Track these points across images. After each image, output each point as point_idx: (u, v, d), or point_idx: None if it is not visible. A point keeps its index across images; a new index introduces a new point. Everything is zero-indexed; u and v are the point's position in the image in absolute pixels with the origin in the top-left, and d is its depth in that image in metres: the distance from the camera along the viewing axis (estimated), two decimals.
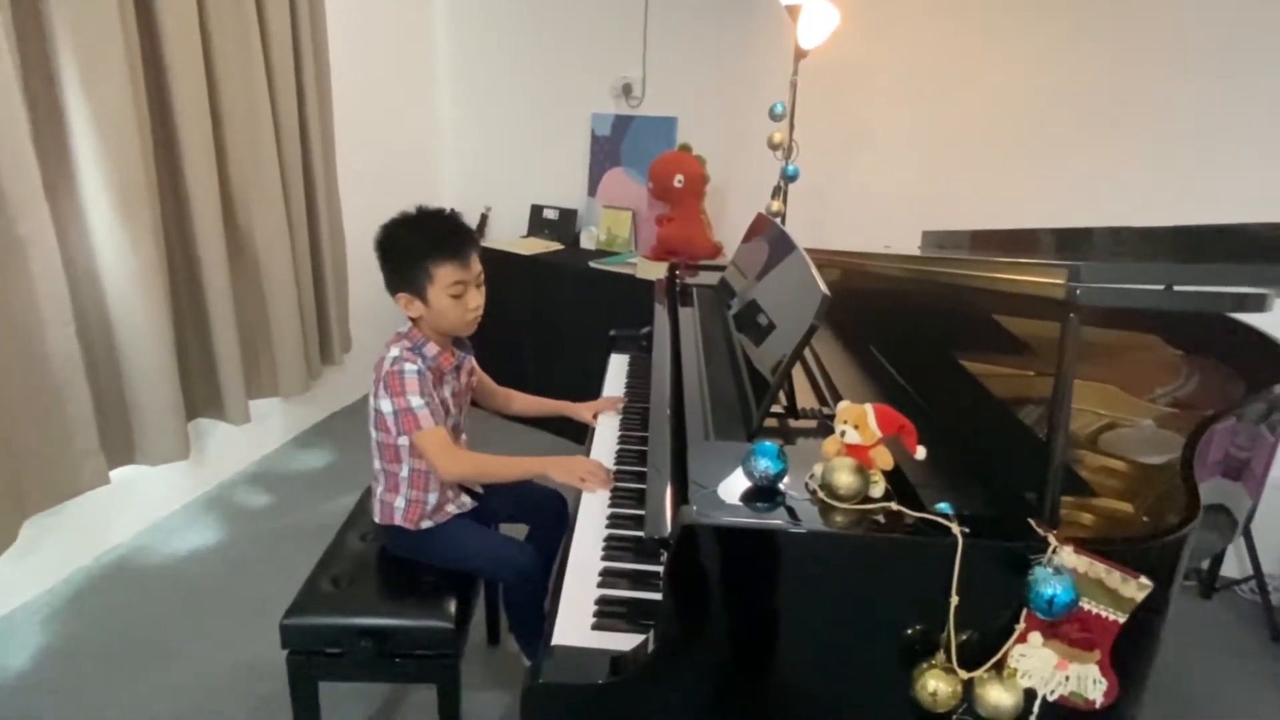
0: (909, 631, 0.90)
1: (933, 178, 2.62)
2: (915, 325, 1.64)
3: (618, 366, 2.06)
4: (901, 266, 1.66)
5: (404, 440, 1.48)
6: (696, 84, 3.02)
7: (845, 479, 0.92)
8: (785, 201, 2.53)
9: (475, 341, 1.64)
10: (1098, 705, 0.87)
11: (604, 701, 0.95)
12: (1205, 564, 2.28)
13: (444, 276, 1.41)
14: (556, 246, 3.28)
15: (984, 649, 0.88)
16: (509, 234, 3.52)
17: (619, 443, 1.61)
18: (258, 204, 2.49)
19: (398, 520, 1.53)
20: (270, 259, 2.56)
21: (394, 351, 1.46)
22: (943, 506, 0.91)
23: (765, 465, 0.95)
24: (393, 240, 1.45)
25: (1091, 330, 1.16)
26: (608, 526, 1.29)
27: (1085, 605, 0.86)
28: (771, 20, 2.70)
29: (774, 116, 2.43)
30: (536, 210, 3.45)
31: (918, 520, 0.90)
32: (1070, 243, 1.61)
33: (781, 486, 0.97)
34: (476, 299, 1.47)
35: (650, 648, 0.94)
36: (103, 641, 1.95)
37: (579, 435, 1.79)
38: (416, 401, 1.42)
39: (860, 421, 0.95)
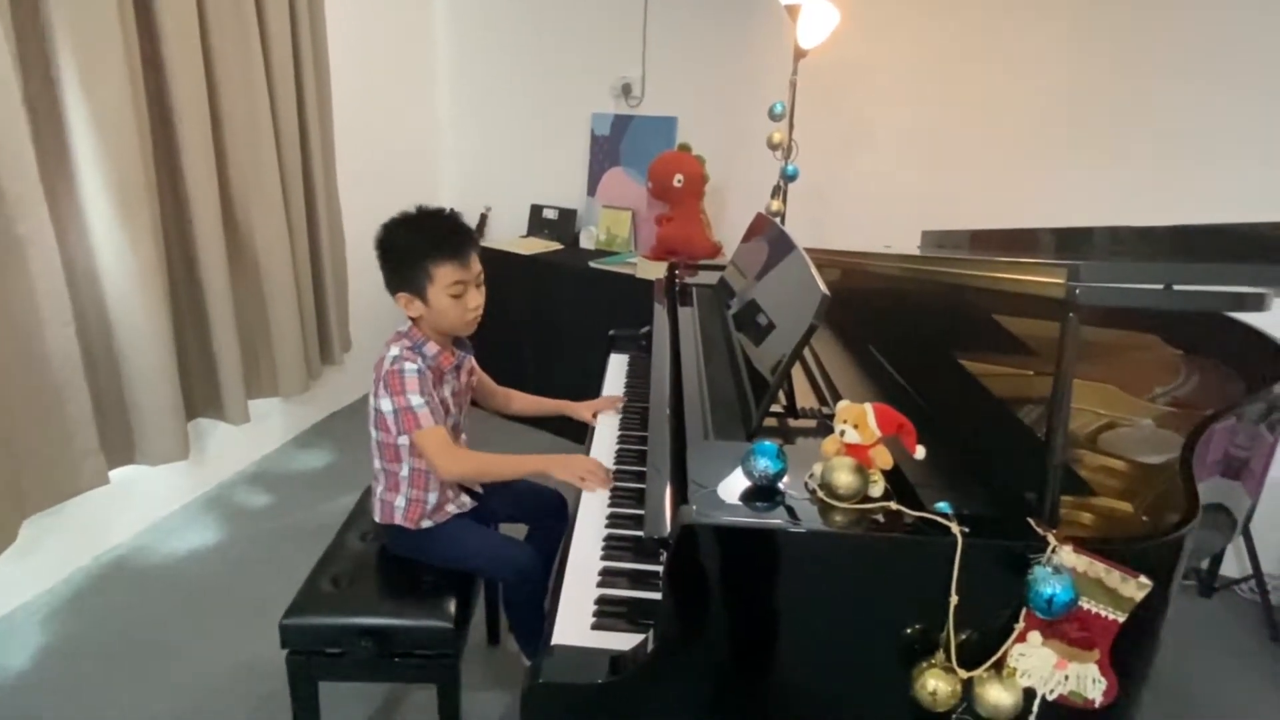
0: (908, 631, 0.90)
1: (933, 178, 2.62)
2: (915, 325, 1.64)
3: (617, 366, 2.07)
4: (901, 266, 1.66)
5: (404, 440, 1.48)
6: (696, 84, 3.02)
7: (845, 478, 0.92)
8: (785, 201, 2.53)
9: (475, 341, 1.64)
10: (1097, 704, 0.87)
11: (604, 701, 0.95)
12: (1205, 563, 2.28)
13: (444, 276, 1.42)
14: (556, 246, 3.28)
15: (983, 648, 0.88)
16: (508, 234, 3.52)
17: (618, 442, 1.61)
18: (257, 204, 2.49)
19: (398, 520, 1.53)
20: (270, 258, 2.56)
21: (394, 351, 1.46)
22: (942, 506, 0.91)
23: (765, 465, 0.95)
24: (393, 240, 1.45)
25: (1091, 330, 1.17)
26: (607, 526, 1.29)
27: (1084, 604, 0.86)
28: (771, 20, 2.70)
29: (773, 116, 2.43)
30: (536, 210, 3.45)
31: (917, 520, 0.90)
32: (1070, 242, 1.61)
33: (781, 486, 0.97)
34: (476, 299, 1.47)
35: (650, 647, 0.94)
36: (102, 641, 1.95)
37: (579, 435, 1.79)
38: (416, 400, 1.42)
39: (860, 421, 0.95)
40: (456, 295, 1.43)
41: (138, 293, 2.08)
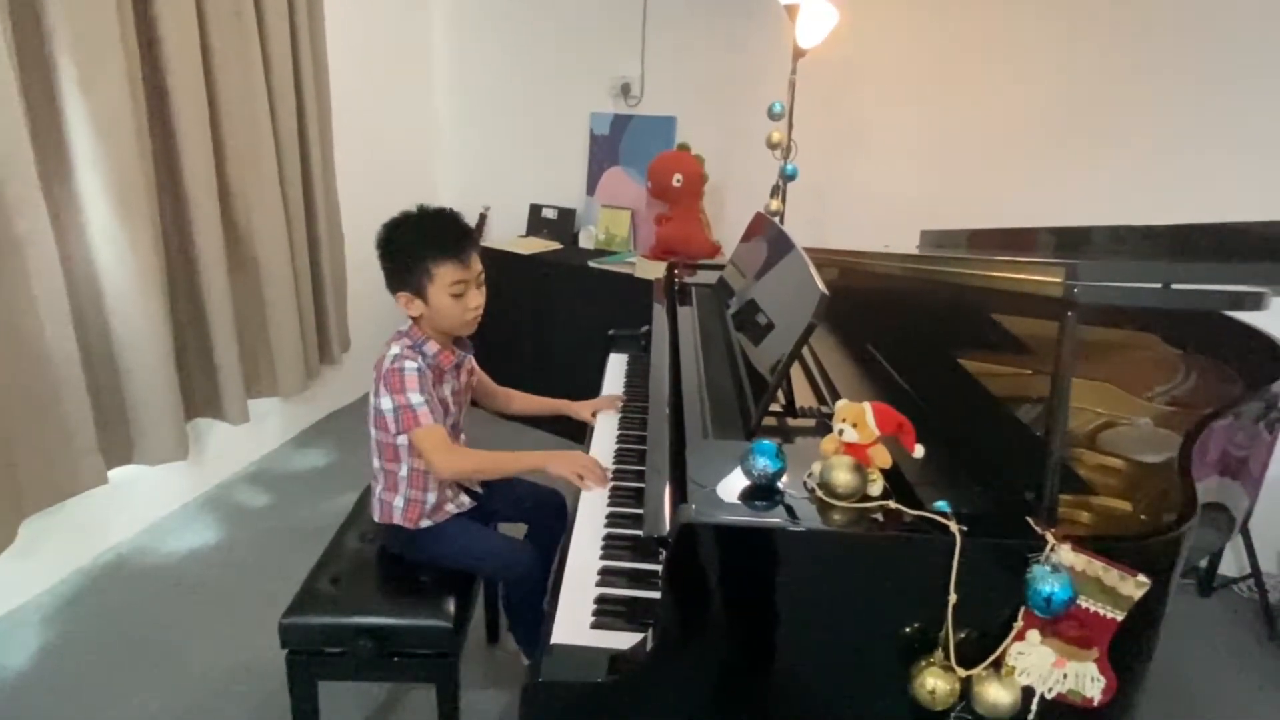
0: (907, 629, 0.90)
1: (931, 177, 2.63)
2: (913, 324, 1.64)
3: (616, 366, 2.07)
4: (900, 266, 1.66)
5: (403, 439, 1.48)
6: (695, 83, 3.02)
7: (843, 477, 0.92)
8: (784, 201, 2.53)
9: (475, 341, 1.64)
10: (1096, 703, 0.87)
11: (603, 700, 0.95)
12: (1203, 562, 2.28)
13: (444, 276, 1.42)
14: (555, 246, 3.28)
15: (982, 647, 0.88)
16: (508, 233, 3.52)
17: (618, 441, 1.61)
18: (256, 203, 2.49)
19: (397, 519, 1.53)
20: (269, 258, 2.56)
21: (394, 349, 1.46)
22: (941, 505, 0.91)
23: (764, 464, 0.95)
24: (394, 239, 1.45)
25: (1090, 329, 1.17)
26: (607, 525, 1.29)
27: (1083, 603, 0.86)
28: (770, 19, 2.70)
29: (772, 116, 2.43)
30: (535, 210, 3.45)
31: (916, 518, 0.90)
32: (1068, 241, 1.61)
33: (780, 485, 0.97)
34: (477, 298, 1.48)
35: (649, 646, 0.94)
36: (101, 641, 1.95)
37: (578, 434, 1.79)
38: (416, 399, 1.42)
39: (859, 420, 0.95)
40: (457, 295, 1.44)
41: (136, 292, 2.08)
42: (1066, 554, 0.85)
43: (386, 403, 1.44)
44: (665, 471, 1.16)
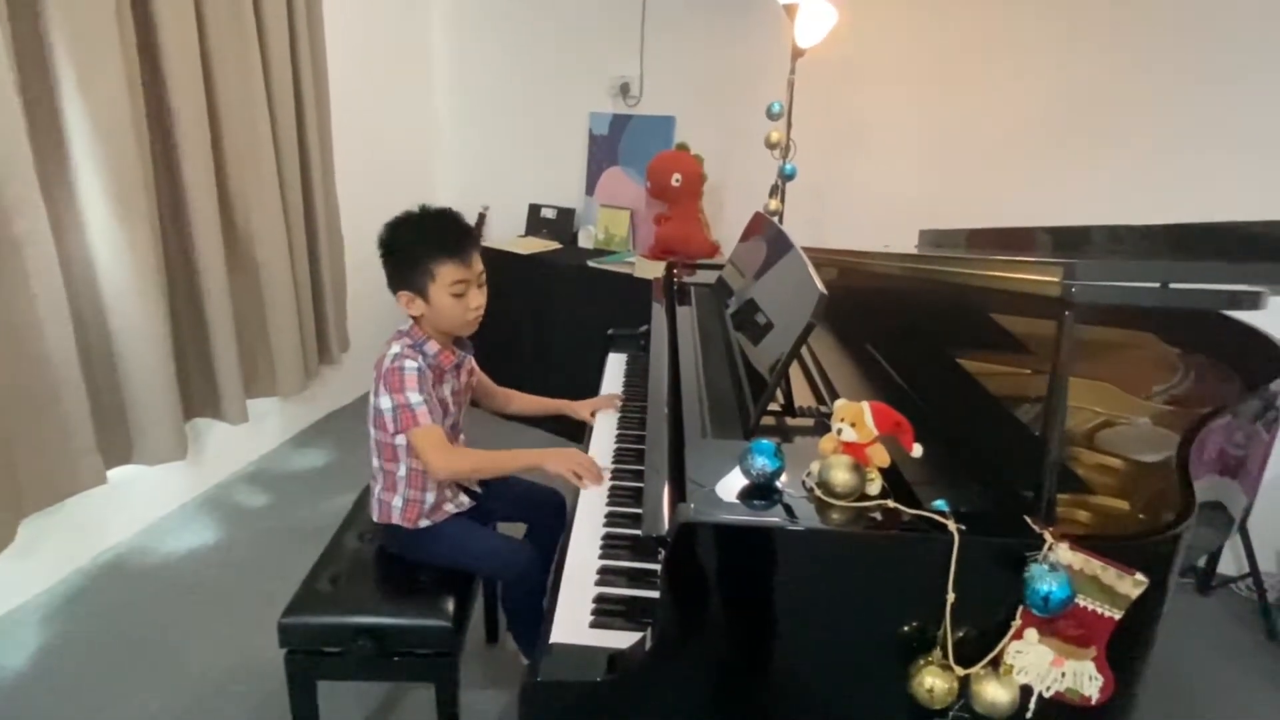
0: (906, 628, 0.90)
1: (931, 177, 2.63)
2: (912, 323, 1.65)
3: (616, 365, 2.07)
4: (899, 265, 1.66)
5: (401, 439, 1.48)
6: (694, 83, 3.02)
7: (842, 476, 0.93)
8: (783, 200, 2.53)
9: (474, 341, 1.64)
10: (1094, 702, 0.88)
11: (602, 699, 0.95)
12: (1202, 561, 2.28)
13: (446, 275, 1.42)
14: (554, 246, 3.28)
15: (980, 646, 0.88)
16: (507, 233, 3.52)
17: (617, 441, 1.61)
18: (255, 203, 2.49)
19: (396, 519, 1.53)
20: (268, 258, 2.56)
21: (395, 349, 1.46)
22: (939, 504, 0.91)
23: (762, 463, 0.95)
24: (395, 239, 1.46)
25: (1088, 328, 1.17)
26: (605, 525, 1.29)
27: (1081, 602, 0.86)
28: (769, 19, 2.70)
29: (771, 116, 2.43)
30: (534, 209, 3.45)
31: (914, 517, 0.90)
32: (1066, 241, 1.61)
33: (779, 484, 0.97)
34: (478, 298, 1.48)
35: (648, 645, 0.94)
36: (101, 641, 1.95)
37: (577, 434, 1.79)
38: (415, 398, 1.42)
39: (857, 419, 0.95)
40: (458, 294, 1.44)
41: (135, 292, 2.08)
42: (1064, 553, 0.85)
43: (385, 402, 1.44)
44: (664, 471, 1.16)
